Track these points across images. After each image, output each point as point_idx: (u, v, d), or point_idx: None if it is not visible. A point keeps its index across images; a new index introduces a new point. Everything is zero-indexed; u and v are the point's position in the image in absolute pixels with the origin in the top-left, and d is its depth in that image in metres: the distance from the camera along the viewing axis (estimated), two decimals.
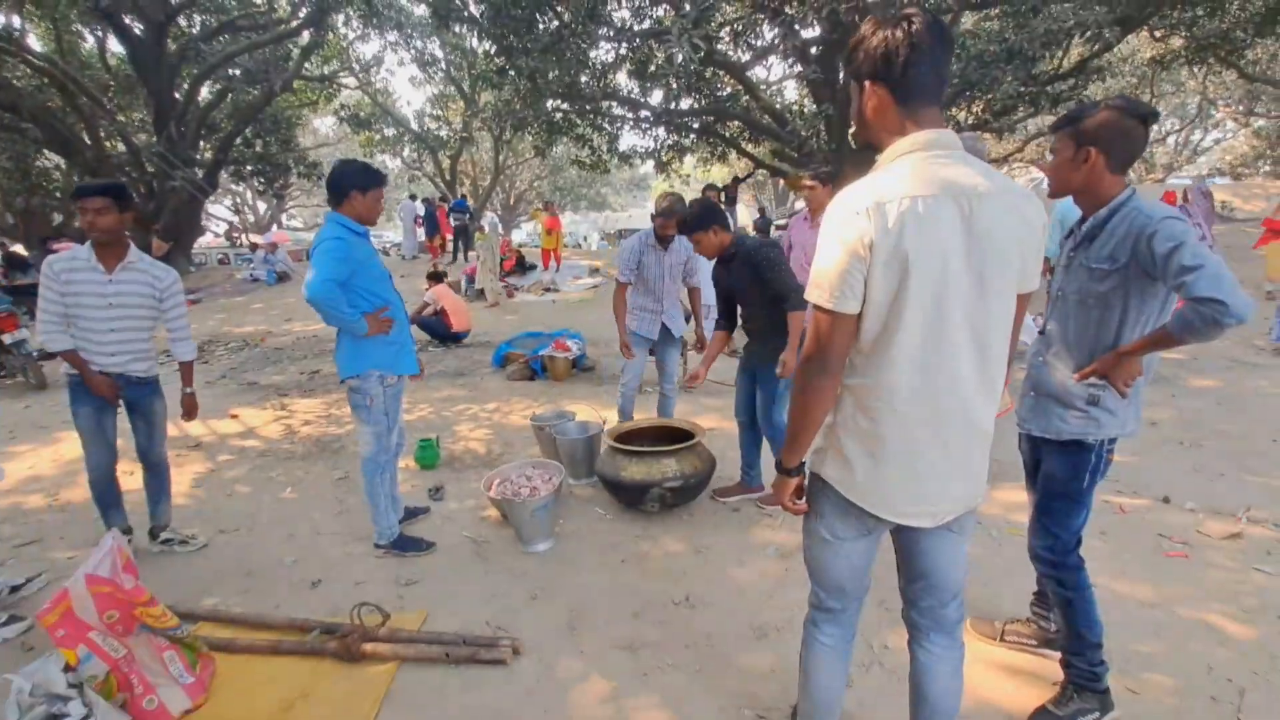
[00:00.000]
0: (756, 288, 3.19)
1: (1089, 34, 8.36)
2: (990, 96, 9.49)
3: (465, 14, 10.15)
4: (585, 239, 31.03)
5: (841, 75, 10.16)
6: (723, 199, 14.94)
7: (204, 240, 22.09)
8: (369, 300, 2.86)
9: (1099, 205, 1.80)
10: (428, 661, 2.31)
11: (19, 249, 13.68)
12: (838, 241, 1.23)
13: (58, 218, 15.53)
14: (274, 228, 28.01)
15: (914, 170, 1.22)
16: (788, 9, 8.36)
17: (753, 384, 3.44)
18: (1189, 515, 3.25)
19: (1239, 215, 16.84)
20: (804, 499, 1.52)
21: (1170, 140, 25.11)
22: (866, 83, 1.29)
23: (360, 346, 2.88)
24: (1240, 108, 21.31)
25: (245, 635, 2.46)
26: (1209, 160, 25.74)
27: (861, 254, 1.20)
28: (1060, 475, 1.91)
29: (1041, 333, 1.99)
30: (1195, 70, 16.43)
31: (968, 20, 11.39)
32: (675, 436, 3.59)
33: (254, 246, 17.21)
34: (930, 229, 1.18)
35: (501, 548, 3.19)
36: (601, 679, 2.23)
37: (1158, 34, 10.59)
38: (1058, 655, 2.05)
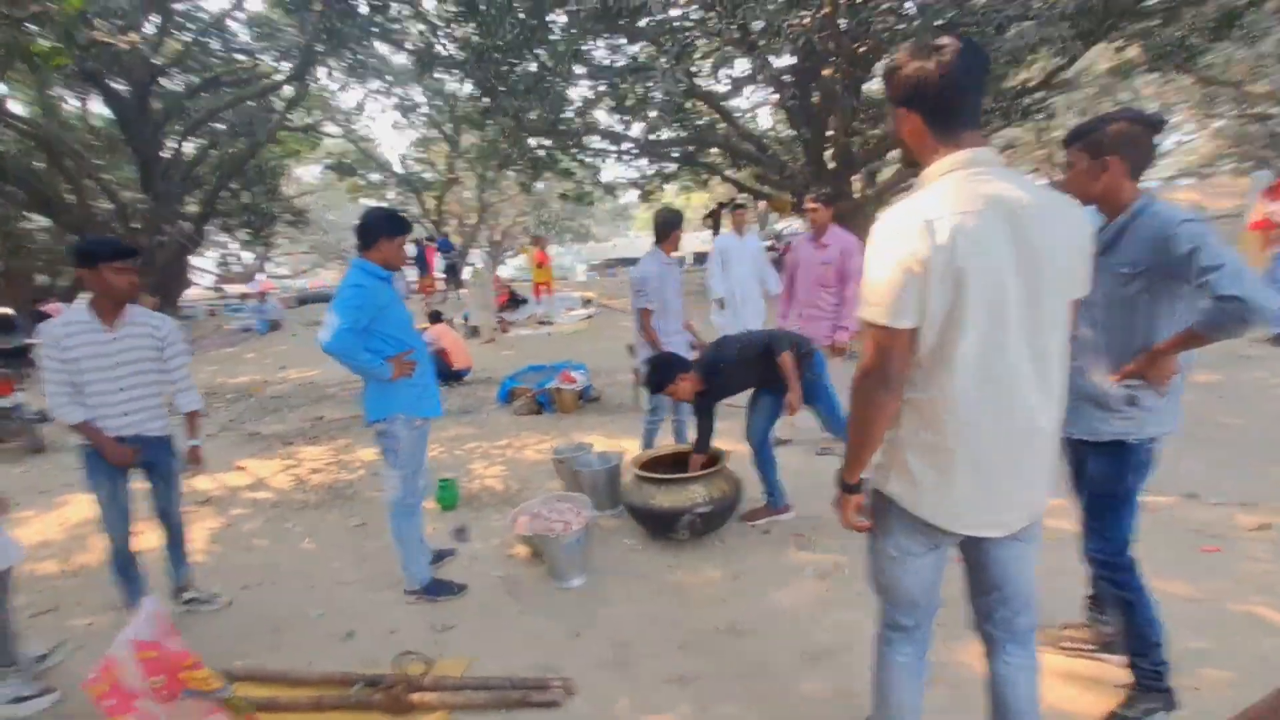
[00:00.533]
0: (745, 378, 3.43)
1: (1055, 49, 8.67)
2: None
3: (447, 58, 10.34)
4: (571, 270, 31.23)
5: (815, 99, 10.45)
6: (714, 220, 15.18)
7: (190, 293, 21.94)
8: (392, 344, 2.85)
9: (1119, 211, 1.85)
10: (478, 708, 2.25)
11: (7, 310, 13.51)
12: (890, 260, 1.24)
13: (42, 279, 15.37)
14: (258, 276, 27.90)
15: (957, 188, 1.25)
16: (760, 42, 8.60)
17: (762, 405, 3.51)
18: (1218, 509, 3.28)
19: (1210, 213, 17.39)
20: (866, 516, 1.51)
21: None
22: (901, 109, 1.34)
23: (385, 390, 2.86)
24: (1200, 110, 22.07)
25: (285, 693, 2.39)
26: (1174, 162, 26.51)
27: (916, 270, 1.22)
28: (1105, 476, 1.93)
29: (1074, 338, 2.02)
30: (1154, 77, 17.05)
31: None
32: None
33: (244, 296, 17.12)
34: (982, 243, 1.21)
35: (534, 585, 3.13)
36: (659, 716, 2.18)
37: (1117, 45, 11.01)
38: (1115, 659, 2.04)
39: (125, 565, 2.93)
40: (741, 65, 10.37)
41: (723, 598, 2.88)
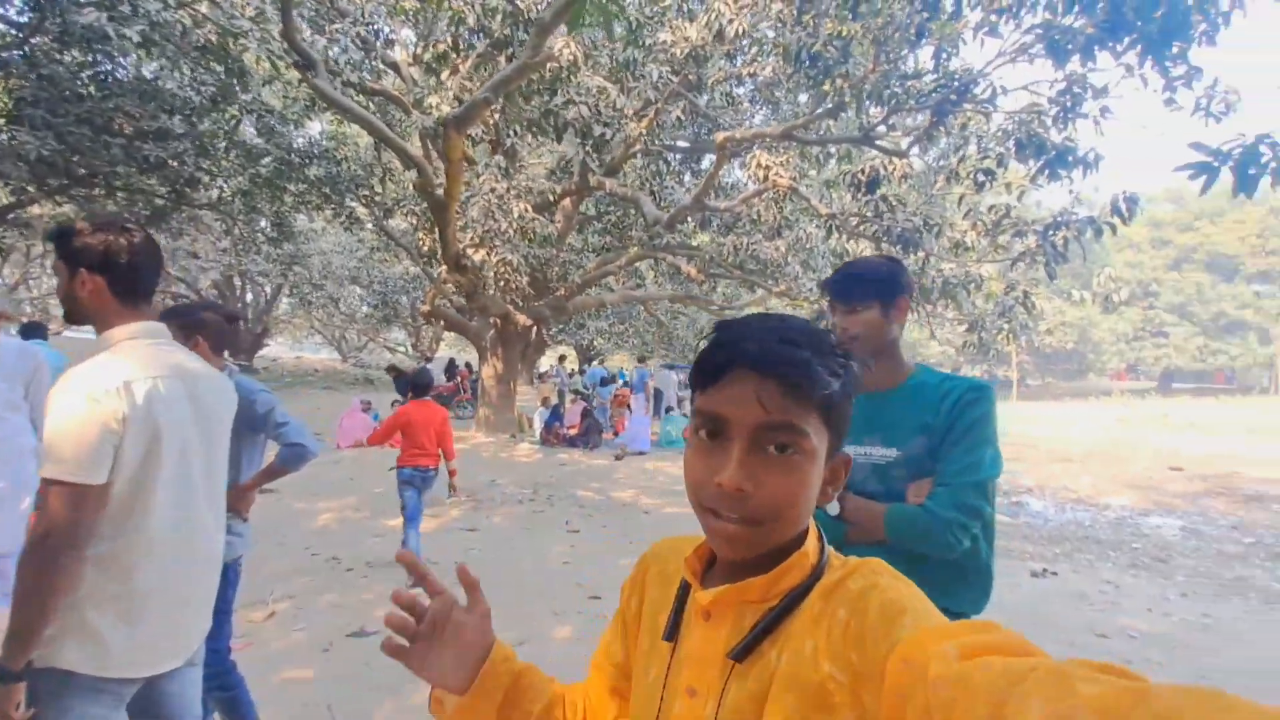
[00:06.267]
0: None
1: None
2: None
3: None
4: None
5: None
6: None
7: None
8: None
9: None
10: None
11: None
12: (87, 418, 1.24)
13: None
14: None
15: (145, 354, 1.39)
16: None
17: None
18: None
19: None
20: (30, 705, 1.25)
21: None
22: (83, 270, 1.37)
23: None
24: None
25: None
26: None
27: (115, 428, 1.26)
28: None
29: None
30: None
31: None
32: None
33: None
34: (171, 403, 1.38)
35: None
36: None
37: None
38: None
39: None
40: None
41: None
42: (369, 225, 14.25)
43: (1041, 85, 5.53)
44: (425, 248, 10.27)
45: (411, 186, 8.27)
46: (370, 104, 9.74)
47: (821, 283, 1.69)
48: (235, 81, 7.80)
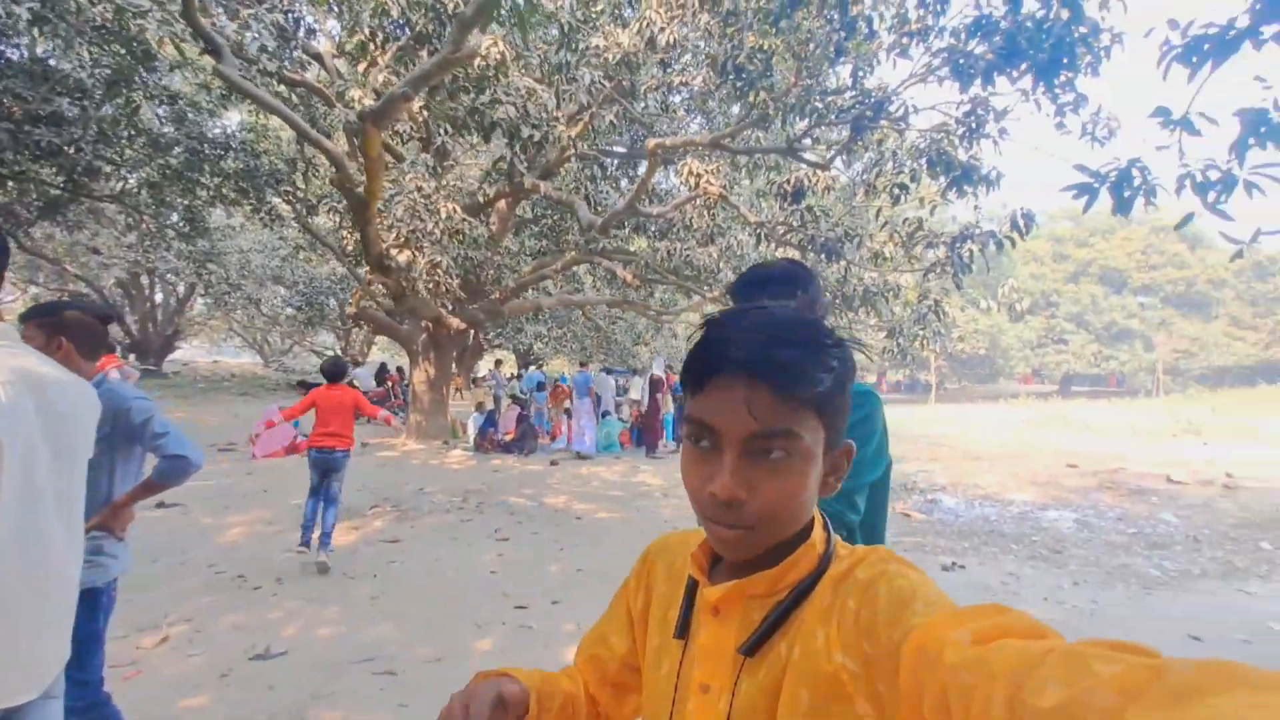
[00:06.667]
0: None
1: None
2: None
3: None
4: None
5: None
6: None
7: None
8: None
9: None
10: None
11: None
12: None
13: None
14: None
15: None
16: None
17: None
18: None
19: None
20: None
21: None
22: None
23: None
24: (21, 276, 23.40)
25: None
26: None
27: None
28: (81, 624, 1.65)
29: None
30: None
31: None
32: None
33: None
34: (14, 411, 1.24)
35: None
36: None
37: None
38: None
39: None
40: None
41: None
42: (292, 223, 13.54)
43: (950, 106, 5.90)
44: (350, 247, 9.85)
45: (329, 182, 7.92)
46: (293, 95, 9.27)
47: (726, 290, 1.69)
48: (140, 65, 7.26)
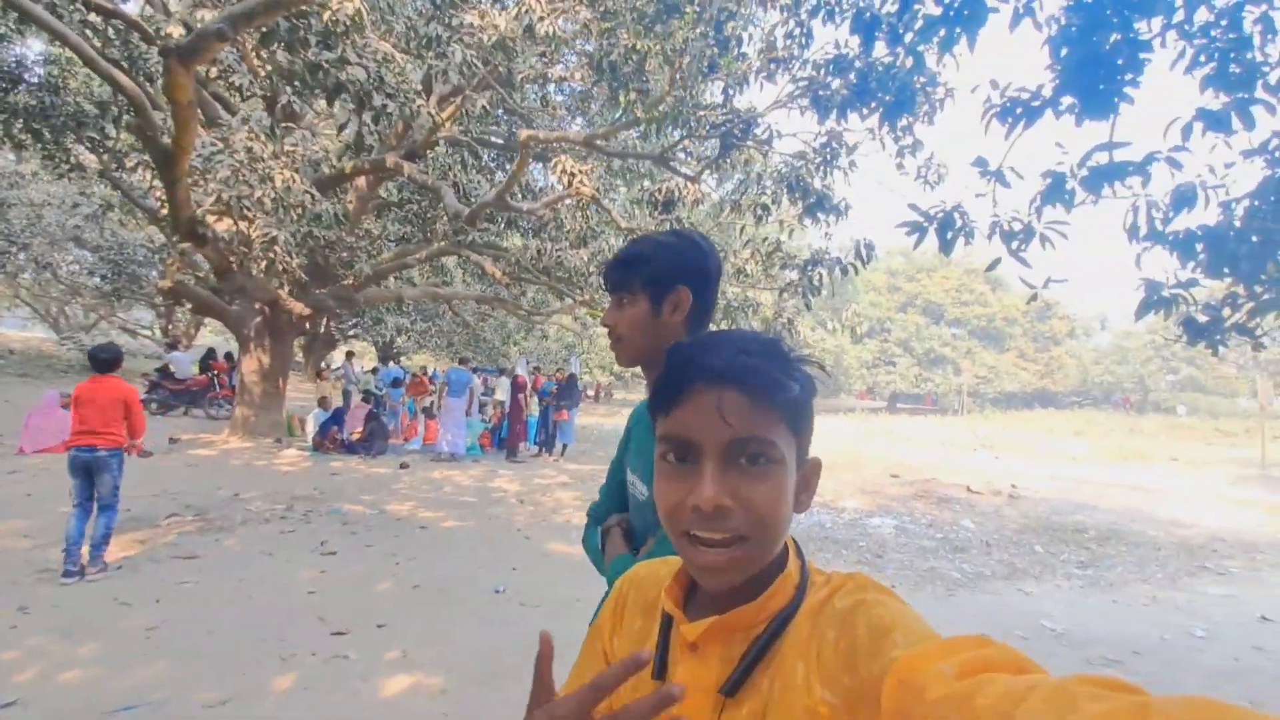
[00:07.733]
0: None
1: None
2: None
3: None
4: None
5: None
6: None
7: None
8: None
9: None
10: None
11: None
12: None
13: None
14: None
15: None
16: None
17: None
18: None
19: None
20: None
21: None
22: None
23: None
24: None
25: None
26: None
27: None
28: None
29: None
30: None
31: None
32: None
33: None
34: None
35: None
36: None
37: None
38: None
39: None
40: None
41: None
42: (98, 177, 11.39)
43: (809, 136, 6.23)
44: (164, 211, 8.44)
45: (126, 129, 6.69)
46: (109, 27, 7.76)
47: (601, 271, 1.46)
48: None
